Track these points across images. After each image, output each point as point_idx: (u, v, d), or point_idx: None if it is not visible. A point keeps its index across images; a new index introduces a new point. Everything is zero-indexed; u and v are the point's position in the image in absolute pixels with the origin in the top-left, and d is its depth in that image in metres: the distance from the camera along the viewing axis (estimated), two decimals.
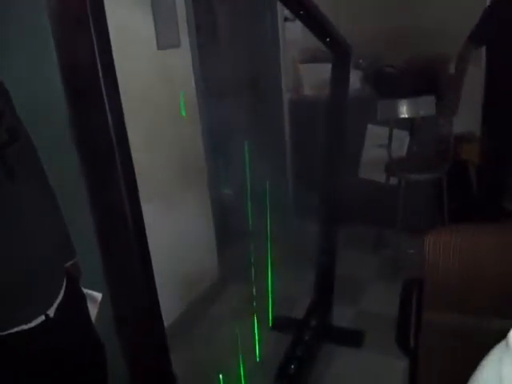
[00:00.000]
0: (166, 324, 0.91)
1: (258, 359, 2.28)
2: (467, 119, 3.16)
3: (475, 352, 1.43)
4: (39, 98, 1.58)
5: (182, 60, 2.43)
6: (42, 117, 1.51)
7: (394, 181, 3.12)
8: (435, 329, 1.45)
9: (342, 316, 2.51)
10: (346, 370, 2.21)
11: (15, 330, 1.04)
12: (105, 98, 0.71)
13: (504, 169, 2.87)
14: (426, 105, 2.99)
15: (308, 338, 2.27)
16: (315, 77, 3.43)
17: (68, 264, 1.27)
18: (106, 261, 0.76)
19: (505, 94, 2.74)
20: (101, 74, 0.69)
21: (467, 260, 1.47)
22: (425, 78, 3.15)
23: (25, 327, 1.05)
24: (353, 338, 2.37)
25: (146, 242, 0.76)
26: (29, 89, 1.49)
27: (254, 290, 2.54)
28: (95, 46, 0.67)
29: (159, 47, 2.22)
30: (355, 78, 3.27)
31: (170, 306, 2.17)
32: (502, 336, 1.36)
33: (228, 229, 3.12)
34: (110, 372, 1.39)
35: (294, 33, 3.54)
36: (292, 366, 2.07)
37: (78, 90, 0.71)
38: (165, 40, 2.25)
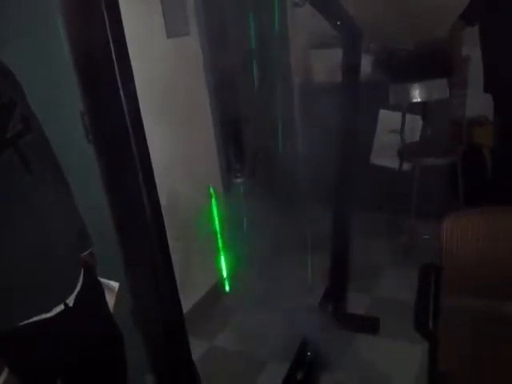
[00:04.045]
0: None
1: None
2: (480, 102, 3.12)
3: (494, 335, 1.43)
4: (51, 89, 1.58)
5: (191, 48, 2.41)
6: (54, 108, 1.51)
7: (407, 166, 3.09)
8: (454, 313, 1.44)
9: (358, 303, 2.50)
10: (362, 356, 2.20)
11: (36, 318, 1.05)
12: (120, 86, 0.70)
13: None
14: (439, 88, 2.95)
15: (324, 325, 2.27)
16: (325, 62, 3.39)
17: (84, 254, 1.27)
18: (125, 250, 0.76)
19: (501, 74, 2.75)
20: (115, 61, 0.69)
21: (485, 244, 1.46)
22: (437, 61, 3.10)
23: (45, 316, 1.06)
24: (368, 325, 2.36)
25: (164, 231, 0.76)
26: (40, 81, 1.49)
27: None
28: (109, 33, 0.66)
29: (168, 36, 2.20)
30: (366, 63, 3.22)
31: None
32: None
33: None
34: (128, 362, 1.40)
35: (303, 18, 3.50)
36: (308, 353, 2.08)
37: (91, 78, 0.71)
38: (174, 29, 2.24)
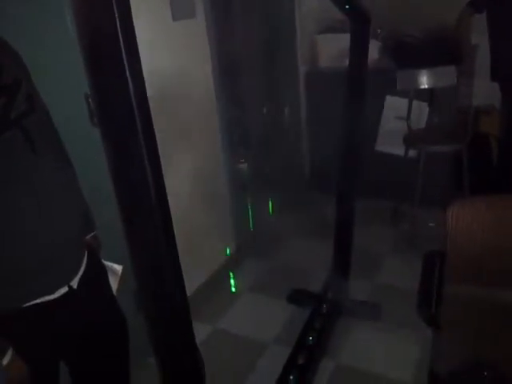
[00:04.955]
0: None
1: None
2: (488, 91, 3.09)
3: (497, 322, 1.44)
4: (55, 70, 1.56)
5: (197, 31, 2.39)
6: (58, 90, 1.50)
7: (412, 153, 3.07)
8: (457, 300, 1.44)
9: (360, 289, 2.51)
10: (363, 342, 2.22)
11: (40, 300, 1.05)
12: (126, 68, 0.69)
13: None
14: (447, 75, 2.91)
15: (326, 310, 2.28)
16: (332, 47, 3.36)
17: (88, 236, 1.28)
18: (129, 233, 0.76)
19: (508, 63, 2.72)
20: (122, 43, 0.68)
21: (490, 232, 1.45)
22: (445, 48, 3.06)
23: (49, 298, 1.07)
24: (370, 311, 2.37)
25: (169, 215, 0.75)
26: (44, 62, 1.47)
27: None
28: (116, 15, 0.65)
29: (174, 18, 2.18)
30: (373, 49, 3.18)
31: None
32: None
33: None
34: (131, 345, 1.41)
35: (310, 1, 3.46)
36: (310, 338, 2.09)
37: (97, 59, 0.70)
38: (179, 11, 2.21)
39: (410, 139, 2.99)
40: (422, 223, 2.92)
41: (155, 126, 0.75)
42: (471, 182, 2.89)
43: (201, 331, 2.31)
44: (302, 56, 3.58)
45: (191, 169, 2.43)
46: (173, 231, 0.77)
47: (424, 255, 1.55)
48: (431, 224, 2.84)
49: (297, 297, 2.55)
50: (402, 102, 3.08)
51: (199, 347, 0.95)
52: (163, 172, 0.76)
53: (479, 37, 2.97)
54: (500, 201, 1.56)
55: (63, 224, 1.09)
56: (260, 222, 3.25)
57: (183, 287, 0.85)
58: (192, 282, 2.46)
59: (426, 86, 2.96)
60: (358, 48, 2.05)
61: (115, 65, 0.69)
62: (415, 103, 3.04)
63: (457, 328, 1.41)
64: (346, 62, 2.11)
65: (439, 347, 1.30)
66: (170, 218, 0.76)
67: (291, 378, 1.90)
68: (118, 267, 1.34)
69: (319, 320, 2.21)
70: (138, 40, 0.70)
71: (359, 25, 2.02)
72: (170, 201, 0.78)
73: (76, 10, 0.67)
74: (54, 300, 1.07)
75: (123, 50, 0.68)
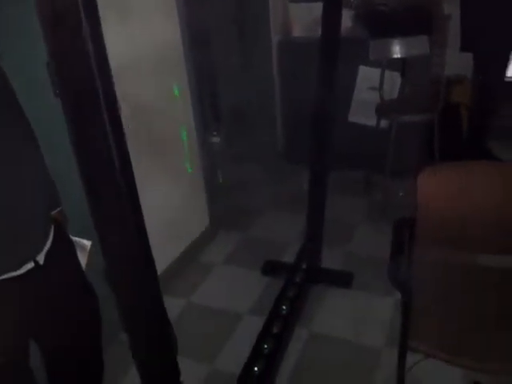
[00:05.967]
0: None
1: None
2: (459, 61, 3.10)
3: (465, 286, 1.47)
4: (14, 37, 1.49)
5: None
6: (17, 60, 1.43)
7: (384, 124, 3.08)
8: (428, 265, 1.47)
9: (332, 258, 2.54)
10: (336, 309, 2.25)
11: (5, 276, 1.02)
12: (88, 35, 0.66)
13: (488, 110, 2.91)
14: (419, 44, 2.90)
15: (299, 280, 2.31)
16: (305, 16, 3.31)
17: (54, 212, 1.24)
18: (95, 207, 0.74)
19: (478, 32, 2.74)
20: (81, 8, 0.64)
21: (459, 197, 1.48)
22: (418, 18, 3.05)
23: (14, 274, 1.04)
24: (342, 279, 2.41)
25: (135, 186, 0.73)
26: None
27: None
28: None
29: None
30: (346, 17, 3.14)
31: None
32: (491, 271, 1.39)
33: None
34: (103, 321, 1.39)
35: None
36: (284, 308, 2.11)
37: (55, 24, 0.66)
38: None
39: (382, 109, 2.99)
40: (393, 193, 2.96)
41: (120, 97, 0.72)
42: (442, 150, 2.92)
43: (175, 305, 2.31)
44: (274, 25, 3.52)
45: (162, 142, 2.39)
46: (139, 203, 0.75)
47: (394, 221, 1.57)
48: (401, 193, 2.88)
49: (271, 268, 2.57)
50: (375, 72, 3.07)
51: (174, 321, 0.95)
52: (129, 145, 0.74)
53: (451, 7, 2.96)
54: (469, 166, 1.57)
55: (28, 198, 1.06)
56: (233, 195, 3.24)
57: (152, 263, 0.84)
58: (166, 256, 2.45)
59: (399, 56, 2.94)
60: (331, 16, 2.02)
61: (75, 29, 0.65)
62: (388, 73, 3.03)
63: (427, 293, 1.44)
64: (319, 32, 2.08)
65: (410, 312, 1.32)
66: (136, 191, 0.75)
67: (265, 346, 1.93)
68: (87, 242, 1.32)
69: (293, 290, 2.24)
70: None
71: None
72: (139, 176, 0.75)
73: None
74: (20, 276, 1.05)
75: (82, 13, 0.65)
